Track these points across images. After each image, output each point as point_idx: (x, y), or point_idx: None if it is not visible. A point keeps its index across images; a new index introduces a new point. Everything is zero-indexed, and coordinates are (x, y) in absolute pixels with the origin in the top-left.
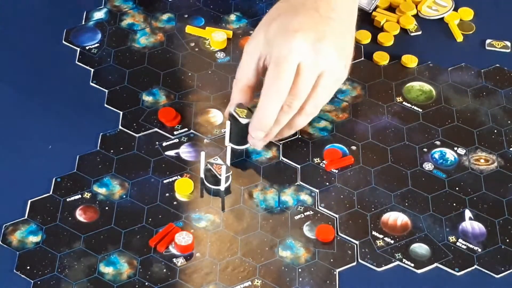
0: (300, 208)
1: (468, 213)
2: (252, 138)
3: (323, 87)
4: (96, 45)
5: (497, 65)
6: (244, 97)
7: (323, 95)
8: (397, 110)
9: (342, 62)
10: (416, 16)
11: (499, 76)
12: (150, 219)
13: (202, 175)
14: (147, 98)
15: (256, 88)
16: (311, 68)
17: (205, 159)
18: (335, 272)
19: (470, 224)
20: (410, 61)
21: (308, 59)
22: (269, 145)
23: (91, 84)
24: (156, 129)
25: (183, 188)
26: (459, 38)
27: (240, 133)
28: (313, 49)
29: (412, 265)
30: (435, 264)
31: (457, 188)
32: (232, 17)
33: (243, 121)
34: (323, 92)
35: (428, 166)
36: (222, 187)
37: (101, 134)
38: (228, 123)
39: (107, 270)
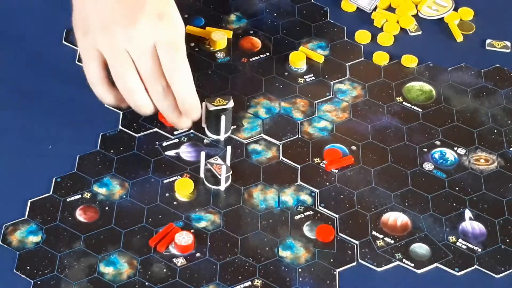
0: (300, 208)
1: (468, 213)
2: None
3: (166, 60)
4: None
5: (497, 65)
6: (112, 91)
7: (173, 68)
8: (397, 110)
9: (172, 30)
10: (416, 16)
11: (499, 76)
12: (150, 219)
13: (202, 175)
14: None
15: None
16: (135, 45)
17: (205, 159)
18: (335, 272)
19: (470, 224)
20: (410, 61)
21: (103, 45)
22: (269, 145)
23: None
24: (156, 129)
25: (183, 188)
26: (459, 38)
27: (213, 121)
28: (125, 30)
29: (412, 265)
30: (435, 264)
31: (457, 188)
32: (232, 17)
33: (210, 107)
34: (171, 65)
35: (428, 166)
36: (222, 187)
37: (101, 134)
38: (203, 113)
39: (107, 270)
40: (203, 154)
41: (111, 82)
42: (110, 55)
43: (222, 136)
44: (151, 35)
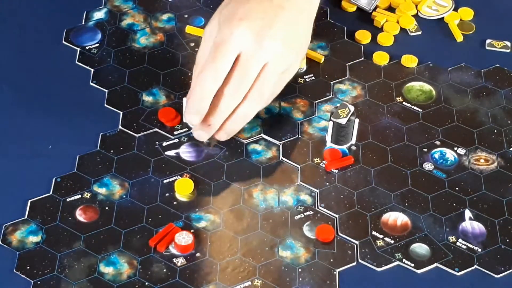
0: (300, 208)
1: (468, 213)
2: (193, 127)
3: (267, 78)
4: (96, 45)
5: (497, 65)
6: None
7: (266, 87)
8: (397, 110)
9: (290, 55)
10: (416, 16)
11: (499, 76)
12: (150, 219)
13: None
14: (147, 98)
15: None
16: (251, 58)
17: None
18: (335, 272)
19: (470, 224)
20: (410, 61)
21: (249, 49)
22: (269, 145)
23: (91, 84)
24: (156, 129)
25: (183, 188)
26: (459, 38)
27: (340, 132)
28: (255, 39)
29: (412, 265)
30: (435, 264)
31: (457, 188)
32: None
33: (342, 121)
34: (266, 84)
35: (428, 166)
36: None
37: (101, 134)
38: (330, 123)
39: (107, 270)
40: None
41: None
42: (223, 40)
43: (354, 140)
44: (276, 50)
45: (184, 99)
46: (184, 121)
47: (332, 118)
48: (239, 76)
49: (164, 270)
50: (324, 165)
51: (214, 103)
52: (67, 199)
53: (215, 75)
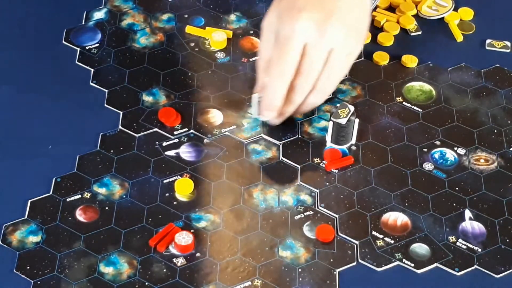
0: (300, 208)
1: (468, 213)
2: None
3: (333, 65)
4: (96, 45)
5: (497, 65)
6: (267, 74)
7: (334, 72)
8: (397, 110)
9: (352, 39)
10: (416, 16)
11: (499, 76)
12: (150, 219)
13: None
14: (147, 98)
15: None
16: (317, 49)
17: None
18: (335, 272)
19: (470, 224)
20: (410, 61)
21: (313, 40)
22: (269, 145)
23: (91, 84)
24: (156, 129)
25: (183, 188)
26: (459, 38)
27: (340, 132)
28: (318, 30)
29: (412, 265)
30: (435, 264)
31: (457, 188)
32: (232, 17)
33: (342, 121)
34: (334, 70)
35: (428, 166)
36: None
37: (101, 134)
38: (330, 123)
39: (107, 270)
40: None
41: None
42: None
43: (354, 140)
44: (338, 37)
45: (254, 95)
46: (254, 116)
47: (332, 118)
48: (307, 68)
49: (164, 270)
50: (324, 165)
51: (285, 95)
52: (67, 199)
53: (284, 74)
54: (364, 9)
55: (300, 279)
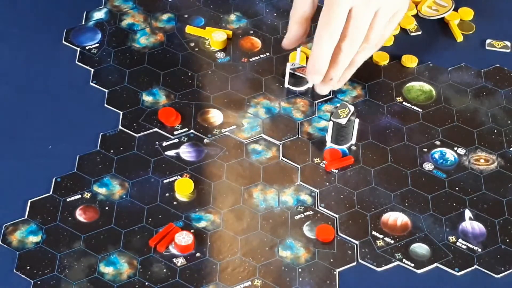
0: (300, 208)
1: (468, 213)
2: (312, 83)
3: (379, 26)
4: (96, 45)
5: (497, 65)
6: (300, 28)
7: (380, 33)
8: (397, 110)
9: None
10: (416, 16)
11: (499, 76)
12: (150, 219)
13: (287, 84)
14: (147, 98)
15: (313, 19)
16: (363, 11)
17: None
18: (335, 272)
19: (470, 224)
20: (410, 61)
21: (359, 2)
22: (269, 145)
23: (91, 84)
24: (156, 129)
25: (183, 188)
26: (459, 38)
27: (340, 132)
28: None
29: (412, 265)
30: (435, 264)
31: (457, 188)
32: (232, 17)
33: (342, 121)
34: (379, 31)
35: (428, 166)
36: (310, 83)
37: (101, 134)
38: (330, 123)
39: (107, 270)
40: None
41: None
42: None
43: (354, 140)
44: (382, 1)
45: (288, 64)
46: (286, 86)
47: (332, 118)
48: (354, 30)
49: (164, 270)
50: (324, 165)
51: (332, 58)
52: (67, 199)
53: (331, 36)
54: None
55: (300, 279)
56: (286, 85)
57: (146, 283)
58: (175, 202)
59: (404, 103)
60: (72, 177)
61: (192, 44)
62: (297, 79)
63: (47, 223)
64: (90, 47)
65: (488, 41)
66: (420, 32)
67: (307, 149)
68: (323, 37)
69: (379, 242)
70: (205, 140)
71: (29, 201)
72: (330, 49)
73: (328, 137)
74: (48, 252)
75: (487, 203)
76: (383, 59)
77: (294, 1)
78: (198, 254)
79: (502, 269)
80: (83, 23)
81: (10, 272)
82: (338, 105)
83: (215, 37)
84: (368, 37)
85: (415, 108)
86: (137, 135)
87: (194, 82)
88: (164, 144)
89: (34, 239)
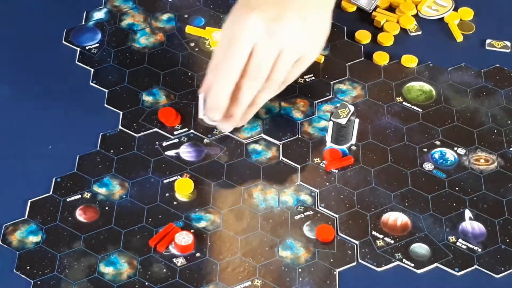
0: (300, 208)
1: (468, 213)
2: (214, 121)
3: (282, 67)
4: (96, 45)
5: (497, 65)
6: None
7: (283, 73)
8: (397, 110)
9: (306, 41)
10: (416, 16)
11: (499, 76)
12: (150, 219)
13: (201, 115)
14: (147, 98)
15: None
16: (265, 49)
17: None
18: (335, 272)
19: (470, 224)
20: (410, 61)
21: (262, 40)
22: (269, 145)
23: (91, 84)
24: (156, 129)
25: (183, 188)
26: (459, 38)
27: (340, 132)
28: (267, 30)
29: (412, 265)
30: (435, 264)
31: (457, 188)
32: None
33: (342, 121)
34: (283, 71)
35: (428, 166)
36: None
37: (101, 134)
38: (330, 123)
39: (107, 270)
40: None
41: None
42: (236, 33)
43: (354, 140)
44: (289, 38)
45: (200, 95)
46: (200, 117)
47: (332, 118)
48: (255, 68)
49: (164, 270)
50: (324, 165)
51: (233, 95)
52: (67, 199)
53: (231, 72)
54: (324, 11)
55: (300, 279)
56: (201, 116)
57: (146, 283)
58: (175, 202)
59: (404, 103)
60: (72, 177)
61: (192, 44)
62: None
63: (47, 223)
64: (90, 47)
65: (488, 41)
66: (420, 32)
67: (307, 149)
68: (222, 72)
69: (379, 242)
70: (205, 140)
71: (29, 201)
72: (230, 85)
73: (328, 137)
74: (48, 252)
75: (487, 203)
76: (383, 59)
77: (214, 50)
78: (198, 254)
79: (502, 269)
80: (83, 23)
81: (10, 272)
82: (338, 105)
83: (215, 37)
84: (271, 78)
85: (415, 108)
86: (137, 135)
87: (194, 82)
88: (164, 144)
89: (34, 239)
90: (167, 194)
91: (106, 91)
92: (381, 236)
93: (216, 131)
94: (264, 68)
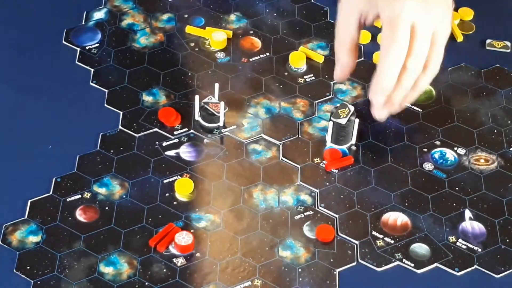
0: (300, 208)
1: (468, 213)
2: (373, 105)
3: (440, 44)
4: (96, 45)
5: (497, 65)
6: (352, 57)
7: (441, 51)
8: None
9: (450, 18)
10: None
11: (499, 76)
12: (150, 219)
13: (197, 117)
14: (147, 98)
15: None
16: (425, 27)
17: (199, 101)
18: (335, 272)
19: (470, 224)
20: None
21: (421, 18)
22: (269, 145)
23: (91, 84)
24: (156, 129)
25: (183, 188)
26: (459, 38)
27: (340, 132)
28: (424, 8)
29: (412, 265)
30: (435, 264)
31: (457, 188)
32: (232, 17)
33: (342, 121)
34: (441, 49)
35: (428, 166)
36: (221, 122)
37: (101, 134)
38: (330, 123)
39: (107, 270)
40: (197, 97)
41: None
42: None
43: (354, 140)
44: (439, 16)
45: (196, 96)
46: (373, 101)
47: (332, 118)
48: (419, 47)
49: (164, 270)
50: (324, 165)
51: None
52: (67, 199)
53: (397, 55)
54: None
55: (300, 279)
56: (197, 117)
57: (146, 283)
58: (175, 202)
59: None
60: (72, 177)
61: (192, 44)
62: (209, 114)
63: (47, 223)
64: (90, 47)
65: (488, 41)
66: None
67: (307, 149)
68: (391, 54)
69: (379, 242)
70: (205, 140)
71: (29, 201)
72: (398, 66)
73: (328, 137)
74: (48, 252)
75: (487, 203)
76: None
77: (337, 30)
78: (198, 254)
79: (502, 269)
80: (83, 23)
81: (10, 272)
82: (338, 105)
83: (215, 37)
84: (430, 57)
85: (415, 108)
86: (137, 135)
87: (194, 82)
88: (164, 144)
89: (34, 239)
90: (167, 194)
91: (106, 91)
92: (381, 236)
93: (216, 131)
94: (426, 46)
